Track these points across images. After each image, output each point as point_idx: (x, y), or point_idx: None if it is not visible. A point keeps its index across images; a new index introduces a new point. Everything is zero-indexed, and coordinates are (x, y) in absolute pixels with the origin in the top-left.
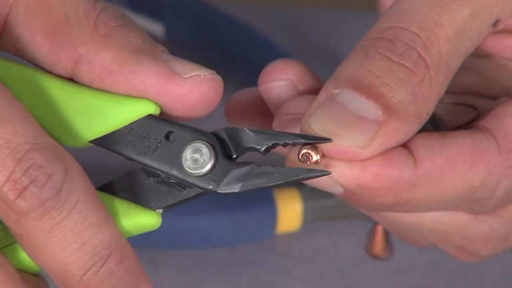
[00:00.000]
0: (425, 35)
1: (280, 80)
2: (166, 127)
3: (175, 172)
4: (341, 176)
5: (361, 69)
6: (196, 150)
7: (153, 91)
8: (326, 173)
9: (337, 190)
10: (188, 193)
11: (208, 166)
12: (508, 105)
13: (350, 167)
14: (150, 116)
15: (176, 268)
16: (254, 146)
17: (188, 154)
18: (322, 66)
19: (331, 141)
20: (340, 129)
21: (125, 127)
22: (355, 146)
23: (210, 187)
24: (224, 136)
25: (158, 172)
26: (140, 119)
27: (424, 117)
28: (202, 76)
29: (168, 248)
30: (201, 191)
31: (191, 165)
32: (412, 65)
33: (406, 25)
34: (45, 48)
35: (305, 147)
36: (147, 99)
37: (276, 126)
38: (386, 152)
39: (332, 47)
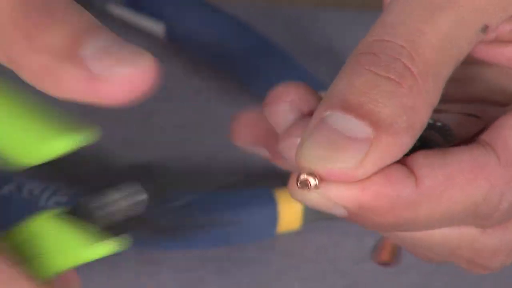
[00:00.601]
0: (410, 45)
1: (283, 102)
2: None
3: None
4: (341, 198)
5: (349, 87)
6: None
7: (79, 95)
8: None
9: (340, 212)
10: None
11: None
12: (507, 117)
13: (349, 189)
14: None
15: (176, 268)
16: None
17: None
18: (322, 66)
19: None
20: (332, 154)
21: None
22: (347, 168)
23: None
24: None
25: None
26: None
27: (418, 127)
28: (122, 77)
29: (168, 249)
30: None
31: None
32: (398, 77)
33: (390, 38)
34: None
35: (302, 173)
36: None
37: (280, 149)
38: (386, 171)
39: (332, 47)
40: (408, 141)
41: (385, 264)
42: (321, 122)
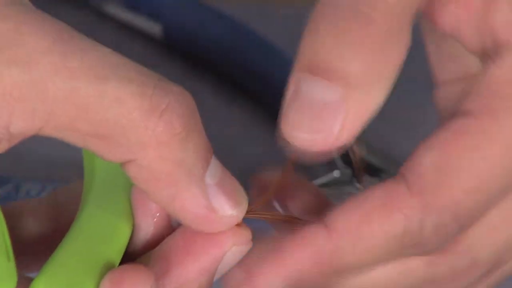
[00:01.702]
0: None
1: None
2: None
3: None
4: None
5: (314, 46)
6: None
7: (187, 219)
8: None
9: None
10: None
11: None
12: (423, 150)
13: (276, 270)
14: None
15: None
16: None
17: None
18: None
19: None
20: (312, 123)
21: None
22: (327, 139)
23: None
24: None
25: None
26: None
27: (390, 75)
28: (231, 217)
29: None
30: None
31: None
32: (362, 24)
33: None
34: (100, 146)
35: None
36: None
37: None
38: (302, 234)
39: None
40: (381, 94)
41: None
42: (295, 89)
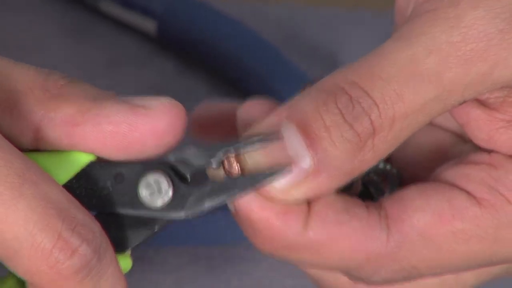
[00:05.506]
0: (384, 107)
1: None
2: (113, 169)
3: (134, 211)
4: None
5: (315, 114)
6: (150, 183)
7: (123, 129)
8: (288, 170)
9: (230, 206)
10: (154, 226)
11: (168, 194)
12: (412, 193)
13: (252, 198)
14: (92, 164)
15: (168, 266)
16: (206, 163)
17: (143, 188)
18: (314, 64)
19: (282, 139)
20: (270, 166)
21: (71, 183)
22: (274, 187)
23: (175, 214)
24: (172, 160)
25: (119, 214)
26: (82, 170)
27: (355, 175)
28: (166, 103)
29: (160, 246)
30: (166, 221)
31: (149, 198)
32: (360, 130)
33: (370, 91)
34: (7, 121)
35: (232, 156)
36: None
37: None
38: (290, 206)
39: (324, 45)
40: (339, 185)
41: None
42: (277, 130)
